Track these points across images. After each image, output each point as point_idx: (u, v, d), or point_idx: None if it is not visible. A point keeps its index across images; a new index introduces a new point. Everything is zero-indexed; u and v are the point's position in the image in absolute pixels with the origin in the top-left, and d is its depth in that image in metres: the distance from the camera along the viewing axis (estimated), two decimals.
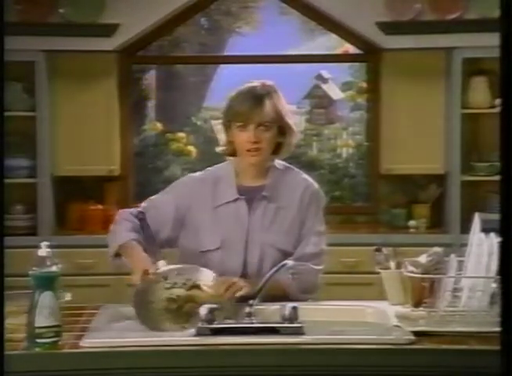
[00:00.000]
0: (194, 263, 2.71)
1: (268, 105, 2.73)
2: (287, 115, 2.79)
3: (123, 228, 2.77)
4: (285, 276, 2.63)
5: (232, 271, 2.71)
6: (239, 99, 2.76)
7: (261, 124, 2.71)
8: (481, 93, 5.20)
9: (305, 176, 2.88)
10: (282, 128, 2.77)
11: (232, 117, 2.75)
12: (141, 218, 2.82)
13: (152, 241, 2.79)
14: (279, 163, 2.86)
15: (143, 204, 2.87)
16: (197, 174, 2.91)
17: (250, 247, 2.74)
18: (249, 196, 2.78)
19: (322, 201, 2.86)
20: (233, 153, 2.82)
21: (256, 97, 2.73)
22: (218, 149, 2.88)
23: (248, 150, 2.74)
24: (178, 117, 6.23)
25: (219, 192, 2.80)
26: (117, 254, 2.73)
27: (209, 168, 2.91)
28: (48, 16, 5.16)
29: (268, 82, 2.81)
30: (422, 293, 2.38)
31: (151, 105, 6.19)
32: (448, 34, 5.09)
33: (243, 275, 2.71)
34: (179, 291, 2.50)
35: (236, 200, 2.78)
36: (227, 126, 2.79)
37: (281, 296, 2.60)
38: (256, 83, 2.79)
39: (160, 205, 2.83)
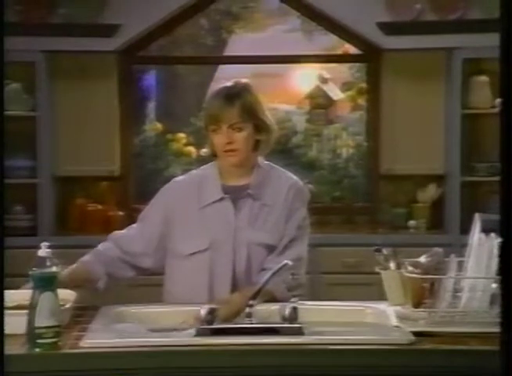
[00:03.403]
0: (184, 266, 2.74)
1: (238, 105, 2.71)
2: (262, 112, 2.78)
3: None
4: (272, 282, 2.56)
5: (222, 271, 2.72)
6: (211, 102, 2.77)
7: (232, 125, 2.71)
8: (482, 94, 5.20)
9: (290, 174, 2.89)
10: (258, 126, 2.77)
11: (207, 119, 2.77)
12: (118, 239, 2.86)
13: (122, 261, 2.83)
14: (262, 162, 2.86)
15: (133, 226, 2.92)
16: (180, 177, 2.92)
17: (238, 246, 2.73)
18: (234, 195, 2.78)
19: (306, 197, 2.87)
20: (215, 154, 2.83)
21: (225, 98, 2.72)
22: (202, 151, 2.89)
23: (225, 152, 2.74)
24: (178, 117, 6.22)
25: (204, 192, 2.80)
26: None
27: (192, 171, 2.92)
28: (49, 16, 5.16)
29: (242, 80, 2.81)
30: (422, 293, 2.38)
31: (151, 105, 6.19)
32: (448, 35, 5.09)
33: (233, 274, 2.72)
34: None
35: (221, 199, 2.78)
36: (206, 128, 2.79)
37: (268, 301, 2.57)
38: (228, 83, 2.79)
39: (148, 220, 2.86)
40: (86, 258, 2.84)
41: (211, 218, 2.77)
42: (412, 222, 5.32)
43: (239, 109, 2.71)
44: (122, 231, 2.92)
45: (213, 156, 2.85)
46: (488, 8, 4.95)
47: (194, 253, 2.75)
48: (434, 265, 2.41)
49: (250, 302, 2.39)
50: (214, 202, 2.78)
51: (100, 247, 2.87)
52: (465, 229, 2.63)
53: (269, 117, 2.82)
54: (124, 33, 5.19)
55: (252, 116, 2.74)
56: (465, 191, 5.21)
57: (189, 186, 2.83)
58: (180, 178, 2.92)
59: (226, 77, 5.80)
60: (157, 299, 2.83)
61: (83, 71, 5.21)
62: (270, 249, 2.75)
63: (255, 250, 2.74)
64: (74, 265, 2.78)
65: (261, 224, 2.77)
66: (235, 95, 2.73)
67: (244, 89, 2.77)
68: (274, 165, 2.89)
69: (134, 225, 2.91)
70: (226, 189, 2.79)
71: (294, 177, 2.89)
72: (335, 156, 5.99)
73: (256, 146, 2.79)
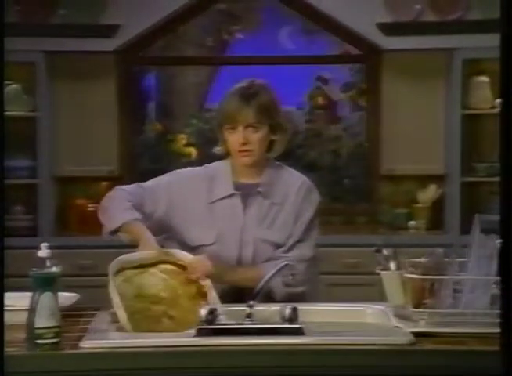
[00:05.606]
0: None
1: (255, 105, 2.71)
2: (277, 113, 2.79)
3: (123, 206, 2.73)
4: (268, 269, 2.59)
5: None
6: (227, 101, 2.76)
7: (249, 125, 2.72)
8: (482, 94, 5.20)
9: (300, 174, 2.89)
10: (273, 126, 2.77)
11: (222, 118, 2.76)
12: (131, 200, 2.77)
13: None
14: (274, 161, 2.87)
15: (133, 186, 2.84)
16: (196, 168, 2.92)
17: (245, 243, 2.75)
18: (244, 192, 2.79)
19: (316, 198, 2.86)
20: (229, 153, 2.83)
21: (243, 98, 2.72)
22: (216, 149, 2.89)
23: (239, 151, 2.75)
24: (178, 118, 6.22)
25: (215, 188, 2.81)
26: (115, 231, 2.71)
27: (208, 165, 2.92)
28: (49, 16, 5.16)
29: (259, 81, 2.81)
30: (422, 294, 2.38)
31: (151, 106, 6.19)
32: (448, 35, 5.09)
33: None
34: None
35: (231, 195, 2.79)
36: (220, 127, 2.79)
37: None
38: (245, 83, 2.78)
39: (156, 187, 2.82)
40: (136, 215, 2.70)
41: (220, 214, 2.78)
42: (412, 223, 5.33)
43: (255, 110, 2.71)
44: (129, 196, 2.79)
45: (226, 154, 2.85)
46: (488, 8, 4.95)
47: (199, 246, 2.76)
48: (435, 266, 2.41)
49: (251, 302, 2.39)
50: (223, 198, 2.80)
51: (131, 209, 2.74)
52: (465, 229, 2.63)
53: (285, 118, 2.83)
54: (124, 33, 5.20)
55: (268, 117, 2.75)
56: (465, 191, 5.21)
57: (201, 179, 2.83)
58: (195, 168, 2.91)
59: (227, 78, 5.82)
60: None
61: (83, 72, 5.21)
62: (276, 247, 2.77)
63: (261, 247, 2.76)
64: (135, 228, 2.67)
65: (269, 222, 2.78)
66: (251, 95, 2.73)
67: (261, 90, 2.76)
68: (285, 165, 2.90)
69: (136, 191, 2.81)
70: (237, 186, 2.81)
71: (305, 177, 2.89)
72: (335, 156, 5.99)
73: (270, 146, 2.80)
